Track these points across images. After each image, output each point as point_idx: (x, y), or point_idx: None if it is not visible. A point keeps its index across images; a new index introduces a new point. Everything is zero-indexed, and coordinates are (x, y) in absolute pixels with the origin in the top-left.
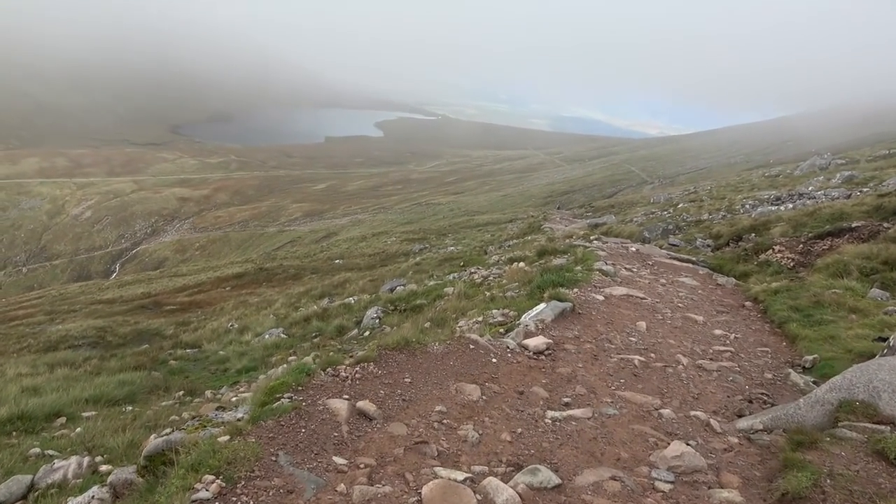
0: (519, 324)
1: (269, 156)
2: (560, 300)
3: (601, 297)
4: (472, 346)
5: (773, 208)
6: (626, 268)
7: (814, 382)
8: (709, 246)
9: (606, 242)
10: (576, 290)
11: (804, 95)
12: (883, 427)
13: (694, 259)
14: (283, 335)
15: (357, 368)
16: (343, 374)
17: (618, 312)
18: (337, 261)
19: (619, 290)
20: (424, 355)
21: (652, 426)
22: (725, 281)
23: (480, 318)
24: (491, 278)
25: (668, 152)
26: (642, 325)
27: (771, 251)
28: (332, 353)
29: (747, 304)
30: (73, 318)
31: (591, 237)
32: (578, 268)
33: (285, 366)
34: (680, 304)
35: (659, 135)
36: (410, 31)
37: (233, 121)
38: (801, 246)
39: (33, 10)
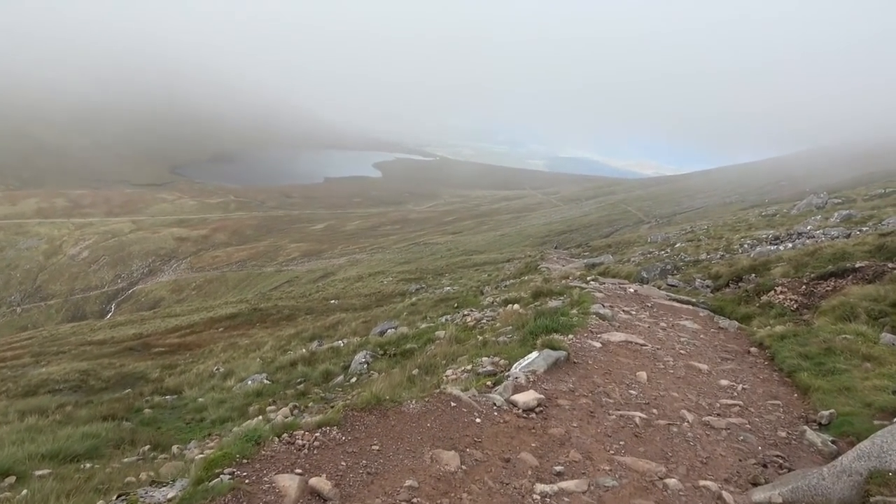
0: (508, 375)
1: (268, 196)
2: (553, 348)
3: (598, 344)
4: (453, 404)
5: (773, 248)
6: (624, 310)
7: (832, 442)
8: (708, 286)
9: (604, 283)
10: (571, 336)
11: (797, 136)
12: None
13: (694, 300)
14: (266, 381)
15: (317, 434)
16: (300, 441)
17: (616, 361)
18: (332, 301)
19: (618, 336)
20: (398, 416)
21: (656, 501)
22: (728, 324)
23: (469, 367)
24: (484, 321)
25: (664, 192)
26: (643, 375)
27: (773, 292)
28: (310, 404)
29: (752, 349)
30: (60, 361)
31: (588, 278)
32: (574, 311)
33: (260, 418)
34: (682, 351)
35: (655, 175)
36: (409, 73)
37: (233, 161)
38: (804, 287)
39: (36, 52)
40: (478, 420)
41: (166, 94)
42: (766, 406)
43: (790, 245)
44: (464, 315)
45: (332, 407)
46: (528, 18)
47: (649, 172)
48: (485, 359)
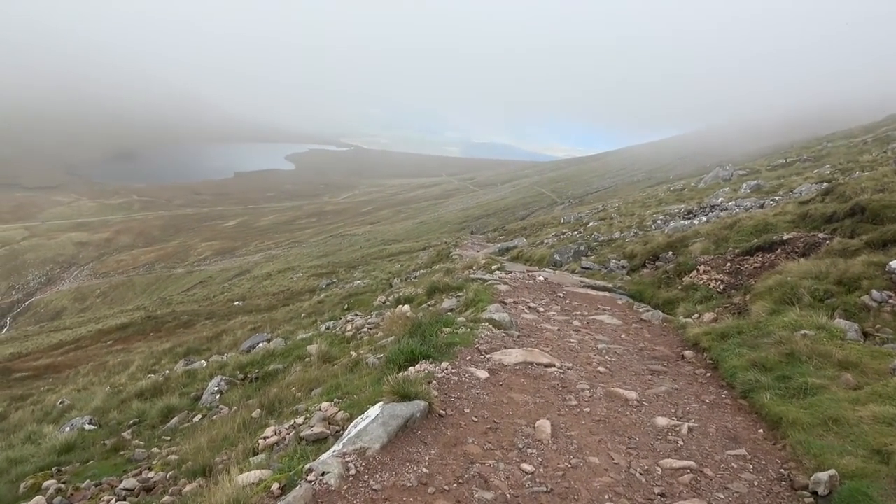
0: (310, 471)
1: (175, 194)
2: (406, 396)
3: (484, 374)
4: None
5: (686, 223)
6: (530, 307)
7: None
8: (624, 267)
9: (510, 272)
10: (445, 364)
11: (696, 114)
12: None
13: (610, 286)
14: (89, 426)
15: None
16: None
17: (507, 402)
18: (236, 303)
19: (514, 355)
20: None
21: None
22: (651, 315)
23: (301, 420)
24: (365, 329)
25: (575, 173)
26: (545, 426)
27: (695, 272)
28: (84, 482)
29: (687, 353)
30: None
31: (493, 267)
32: (462, 318)
33: None
34: (601, 368)
35: (566, 157)
36: (320, 63)
37: (135, 159)
38: (729, 264)
39: None
40: None
41: (57, 88)
42: (727, 462)
43: (704, 219)
44: (346, 321)
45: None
46: (434, 8)
47: (561, 155)
48: (325, 404)
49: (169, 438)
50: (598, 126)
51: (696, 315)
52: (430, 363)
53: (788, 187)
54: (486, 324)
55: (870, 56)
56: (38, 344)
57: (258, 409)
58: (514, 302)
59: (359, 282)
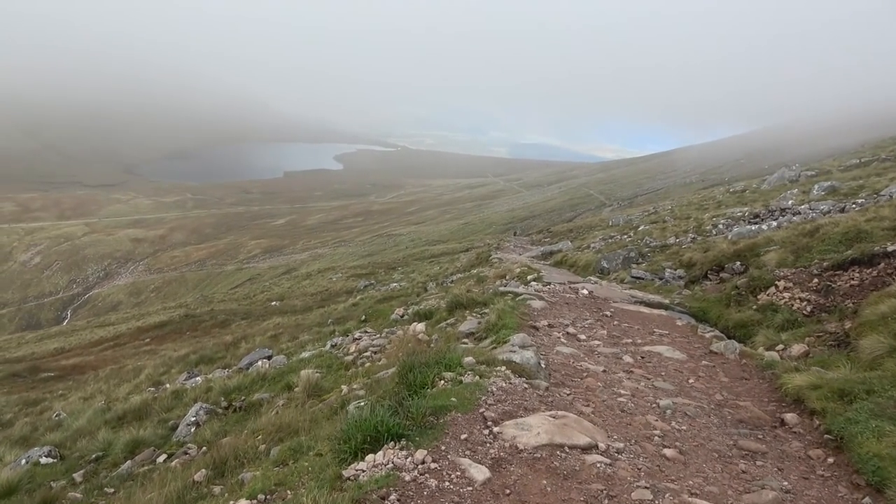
0: None
1: (226, 192)
2: None
3: (482, 472)
4: None
5: (753, 228)
6: (568, 332)
7: None
8: (681, 278)
9: (548, 284)
10: (422, 453)
11: (752, 115)
12: None
13: (667, 302)
14: (46, 459)
15: None
16: None
17: None
18: (274, 303)
19: (536, 429)
20: None
21: None
22: (724, 347)
23: None
24: (368, 353)
25: (624, 174)
26: None
27: (774, 289)
28: None
29: (788, 417)
30: None
31: (529, 277)
32: (470, 357)
33: None
34: (668, 450)
35: (615, 158)
36: (367, 64)
37: (190, 158)
38: (816, 280)
39: None
40: None
41: (117, 91)
42: None
43: (774, 223)
44: (352, 340)
45: None
46: (479, 11)
47: (610, 156)
48: (260, 496)
49: (113, 490)
50: (649, 127)
51: (781, 346)
52: (401, 449)
53: (871, 189)
54: (503, 368)
55: None
56: (80, 339)
57: (204, 470)
58: (549, 325)
59: (395, 284)
